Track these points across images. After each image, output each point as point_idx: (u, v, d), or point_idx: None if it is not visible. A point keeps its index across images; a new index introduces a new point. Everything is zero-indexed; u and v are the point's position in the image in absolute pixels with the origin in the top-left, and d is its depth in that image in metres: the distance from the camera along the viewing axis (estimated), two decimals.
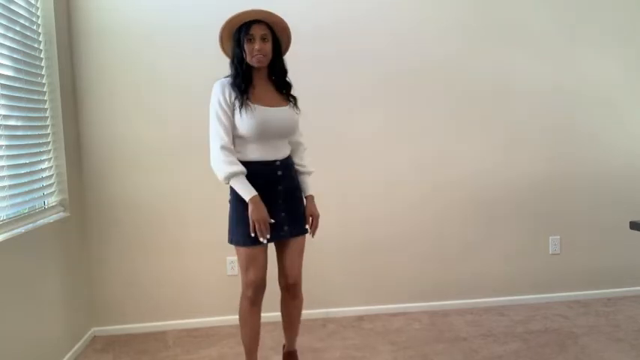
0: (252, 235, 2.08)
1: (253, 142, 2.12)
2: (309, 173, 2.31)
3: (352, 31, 3.16)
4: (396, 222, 3.29)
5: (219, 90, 2.13)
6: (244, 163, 2.11)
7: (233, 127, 2.10)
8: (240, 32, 2.09)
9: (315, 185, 2.39)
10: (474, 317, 3.20)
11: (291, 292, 2.32)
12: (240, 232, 2.13)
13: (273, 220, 2.11)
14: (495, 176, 3.36)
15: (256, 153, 2.13)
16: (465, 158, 3.33)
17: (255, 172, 2.11)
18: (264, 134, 2.11)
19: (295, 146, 2.30)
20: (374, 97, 3.23)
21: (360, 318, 3.23)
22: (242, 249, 2.16)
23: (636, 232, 2.17)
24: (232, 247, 3.08)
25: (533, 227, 3.42)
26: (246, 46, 2.09)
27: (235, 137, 2.13)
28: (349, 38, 3.16)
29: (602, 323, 3.06)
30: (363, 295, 3.31)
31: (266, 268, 2.21)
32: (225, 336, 3.01)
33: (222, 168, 2.08)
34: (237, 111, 2.08)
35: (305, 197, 2.29)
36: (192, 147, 3.09)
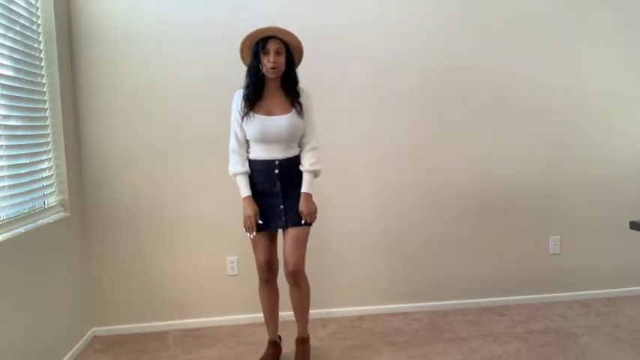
0: (244, 229, 2.46)
1: (256, 144, 2.46)
2: (308, 172, 2.48)
3: (353, 30, 3.16)
4: (396, 222, 3.29)
5: (236, 100, 2.47)
6: (251, 160, 2.47)
7: (243, 132, 2.45)
8: (258, 46, 2.36)
9: (317, 185, 2.51)
10: (474, 317, 3.20)
11: (291, 280, 2.50)
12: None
13: (260, 221, 2.44)
14: (495, 176, 3.36)
15: (259, 152, 2.46)
16: (465, 158, 3.32)
17: (258, 168, 2.47)
18: (264, 139, 2.43)
19: (302, 147, 2.52)
20: (374, 97, 3.22)
21: (360, 318, 3.23)
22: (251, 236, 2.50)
23: (636, 232, 2.17)
24: (232, 247, 3.15)
25: (533, 227, 3.42)
26: (262, 59, 2.36)
27: (248, 139, 2.48)
28: (351, 37, 3.16)
29: (602, 323, 3.06)
30: (363, 295, 3.31)
31: (271, 253, 2.52)
32: (225, 336, 3.02)
33: (230, 167, 2.49)
34: (244, 119, 2.42)
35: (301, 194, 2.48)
36: (192, 147, 3.10)
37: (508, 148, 3.36)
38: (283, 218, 2.46)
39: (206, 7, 3.06)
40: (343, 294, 3.28)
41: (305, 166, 2.46)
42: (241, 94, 2.44)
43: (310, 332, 2.78)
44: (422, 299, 3.34)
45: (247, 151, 2.50)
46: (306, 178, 2.46)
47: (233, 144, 2.47)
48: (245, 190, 2.44)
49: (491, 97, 3.32)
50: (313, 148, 2.49)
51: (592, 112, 3.43)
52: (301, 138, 2.50)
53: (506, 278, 3.41)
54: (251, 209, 2.43)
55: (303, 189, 2.46)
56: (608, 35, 3.40)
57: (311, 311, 2.67)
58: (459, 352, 2.73)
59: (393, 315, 3.26)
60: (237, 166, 2.45)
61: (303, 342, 2.66)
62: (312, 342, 2.81)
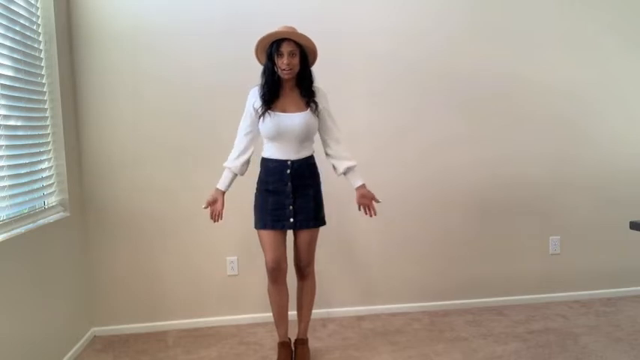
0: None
1: (271, 142, 2.47)
2: (347, 170, 2.53)
3: (356, 31, 3.16)
4: (396, 222, 3.28)
5: (251, 97, 2.48)
6: (265, 158, 2.49)
7: (256, 129, 2.47)
8: (272, 48, 2.37)
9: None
10: (474, 317, 3.20)
11: (300, 272, 2.62)
12: (257, 217, 2.50)
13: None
14: (496, 176, 3.36)
15: (273, 151, 2.48)
16: (466, 159, 3.32)
17: (270, 167, 2.48)
18: (279, 137, 2.43)
19: (334, 147, 2.54)
20: (373, 95, 3.22)
21: (360, 318, 3.23)
22: (258, 232, 2.51)
23: (636, 232, 2.17)
24: (232, 247, 3.15)
25: (533, 227, 3.42)
26: (276, 61, 2.38)
27: (263, 137, 2.49)
28: (354, 40, 3.16)
29: (602, 323, 3.06)
30: (363, 295, 3.31)
31: (278, 251, 2.49)
32: (225, 336, 3.02)
33: (227, 160, 2.51)
34: (261, 117, 2.42)
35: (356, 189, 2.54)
36: (192, 147, 3.10)
37: (508, 149, 3.36)
38: (292, 219, 2.47)
39: (208, 4, 3.06)
40: (343, 294, 3.28)
41: (348, 165, 2.51)
42: (257, 92, 2.45)
43: (310, 332, 2.78)
44: (422, 299, 3.34)
45: (248, 151, 2.50)
46: (349, 176, 2.53)
47: (238, 138, 2.51)
48: (221, 184, 2.51)
49: (492, 99, 3.32)
50: (346, 149, 2.54)
51: (592, 113, 3.42)
52: (329, 137, 2.52)
53: (506, 278, 3.41)
54: (212, 197, 2.50)
55: (355, 184, 2.53)
56: (608, 36, 3.39)
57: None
58: (459, 352, 2.73)
59: (393, 315, 3.26)
60: (229, 160, 2.50)
61: (302, 343, 2.66)
62: (312, 342, 2.81)
